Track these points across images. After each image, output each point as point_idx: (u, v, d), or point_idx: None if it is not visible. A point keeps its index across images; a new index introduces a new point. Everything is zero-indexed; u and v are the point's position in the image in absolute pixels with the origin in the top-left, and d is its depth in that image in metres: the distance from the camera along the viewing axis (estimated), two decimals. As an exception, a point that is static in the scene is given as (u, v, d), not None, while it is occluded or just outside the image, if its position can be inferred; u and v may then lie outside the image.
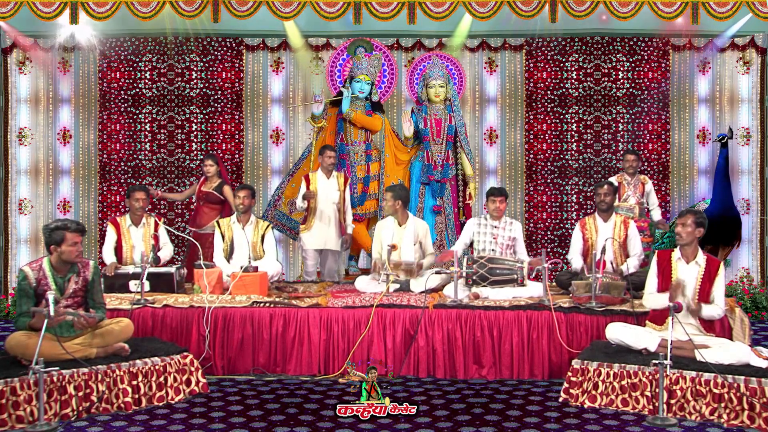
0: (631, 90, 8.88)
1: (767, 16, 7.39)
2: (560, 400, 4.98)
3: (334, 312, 5.77)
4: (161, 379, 4.97)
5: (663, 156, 8.88)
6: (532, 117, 8.94)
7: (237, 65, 8.89)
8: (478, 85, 9.00)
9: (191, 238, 7.02)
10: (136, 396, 4.86)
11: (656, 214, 7.73)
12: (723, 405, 4.52)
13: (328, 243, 7.32)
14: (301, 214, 7.56)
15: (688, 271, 5.06)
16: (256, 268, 6.29)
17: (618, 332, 5.07)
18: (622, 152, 8.62)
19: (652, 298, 5.15)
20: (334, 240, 7.33)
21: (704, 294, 5.00)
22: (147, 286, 6.05)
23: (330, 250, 7.39)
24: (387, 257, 6.32)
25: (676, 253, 5.15)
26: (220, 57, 8.89)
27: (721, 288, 5.05)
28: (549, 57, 8.90)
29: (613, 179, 7.68)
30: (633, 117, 8.89)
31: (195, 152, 8.88)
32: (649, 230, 7.63)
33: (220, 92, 8.90)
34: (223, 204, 7.55)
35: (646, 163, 8.81)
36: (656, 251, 5.38)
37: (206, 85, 8.89)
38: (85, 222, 8.82)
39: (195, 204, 7.74)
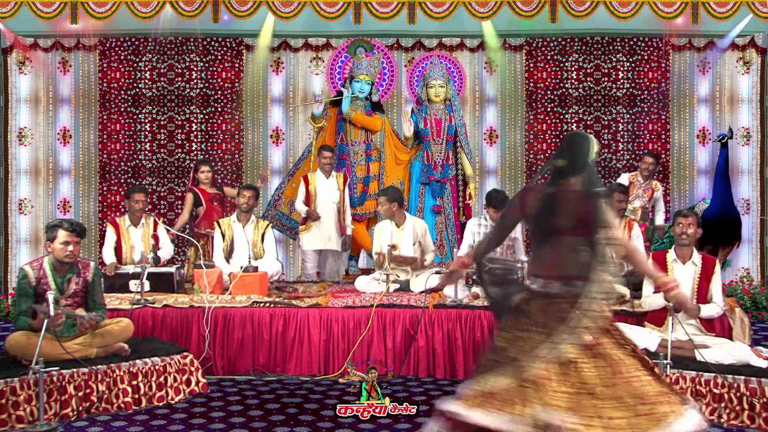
0: (631, 90, 8.88)
1: (767, 16, 7.40)
2: (560, 400, 4.97)
3: (334, 312, 5.77)
4: (161, 379, 4.97)
5: (663, 156, 8.87)
6: (532, 117, 8.93)
7: (237, 65, 8.89)
8: (478, 85, 9.00)
9: (192, 239, 7.02)
10: (136, 396, 4.86)
11: (659, 218, 7.73)
12: (723, 405, 4.52)
13: (329, 243, 7.30)
14: (299, 214, 7.55)
15: (685, 271, 5.05)
16: (256, 268, 6.30)
17: (618, 332, 5.06)
18: (632, 153, 8.64)
19: (650, 300, 5.15)
20: (334, 240, 7.31)
21: (702, 293, 5.00)
22: (147, 286, 6.05)
23: (330, 250, 7.38)
24: (387, 257, 6.32)
25: (671, 254, 5.14)
26: (220, 57, 8.89)
27: (718, 286, 5.05)
28: (549, 57, 8.90)
29: (626, 176, 7.65)
30: (633, 117, 8.88)
31: (195, 152, 8.87)
32: (646, 234, 7.47)
33: (220, 92, 8.90)
34: (223, 203, 7.53)
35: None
36: (651, 253, 5.37)
37: (206, 85, 8.89)
38: (85, 222, 8.81)
39: (205, 207, 7.40)
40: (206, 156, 8.76)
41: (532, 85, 8.92)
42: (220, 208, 7.39)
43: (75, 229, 4.80)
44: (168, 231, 6.87)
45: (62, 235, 4.76)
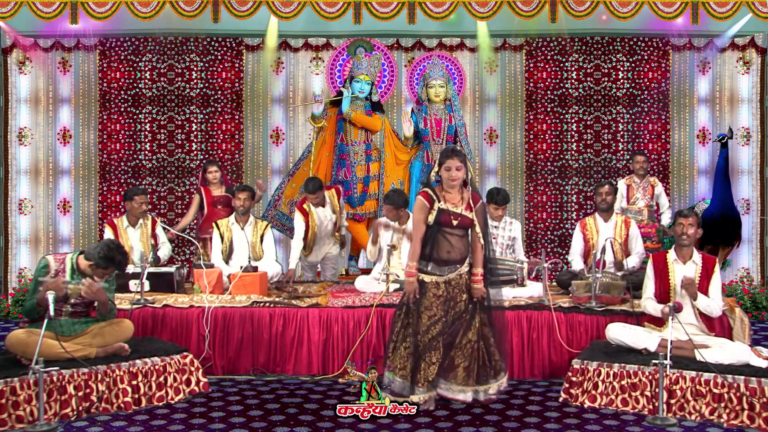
0: (631, 90, 8.88)
1: (767, 16, 7.40)
2: (560, 400, 4.98)
3: (334, 312, 5.77)
4: (161, 379, 4.98)
5: (663, 156, 8.88)
6: (532, 117, 8.94)
7: (237, 65, 8.89)
8: (478, 85, 9.00)
9: (192, 238, 7.02)
10: (136, 396, 4.86)
11: (666, 218, 7.73)
12: (723, 405, 4.52)
13: (327, 254, 7.38)
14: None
15: (685, 271, 5.05)
16: (255, 268, 6.30)
17: (618, 333, 5.07)
18: (630, 153, 8.61)
19: (650, 305, 5.15)
20: (332, 250, 7.40)
21: (702, 292, 5.00)
22: (147, 286, 6.05)
23: (329, 258, 7.43)
24: (387, 258, 6.32)
25: (671, 255, 5.14)
26: (220, 57, 8.89)
27: (717, 285, 5.05)
28: (549, 57, 8.90)
29: (622, 181, 7.76)
30: (633, 117, 8.89)
31: (195, 152, 8.88)
32: (657, 236, 7.45)
33: (220, 92, 8.90)
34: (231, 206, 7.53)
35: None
36: (651, 254, 5.37)
37: (206, 85, 8.89)
38: (84, 222, 8.84)
39: (207, 210, 7.46)
40: (206, 156, 8.76)
41: (532, 85, 8.92)
42: (225, 212, 7.30)
43: (99, 264, 4.77)
44: (167, 230, 6.87)
45: (98, 272, 4.82)
